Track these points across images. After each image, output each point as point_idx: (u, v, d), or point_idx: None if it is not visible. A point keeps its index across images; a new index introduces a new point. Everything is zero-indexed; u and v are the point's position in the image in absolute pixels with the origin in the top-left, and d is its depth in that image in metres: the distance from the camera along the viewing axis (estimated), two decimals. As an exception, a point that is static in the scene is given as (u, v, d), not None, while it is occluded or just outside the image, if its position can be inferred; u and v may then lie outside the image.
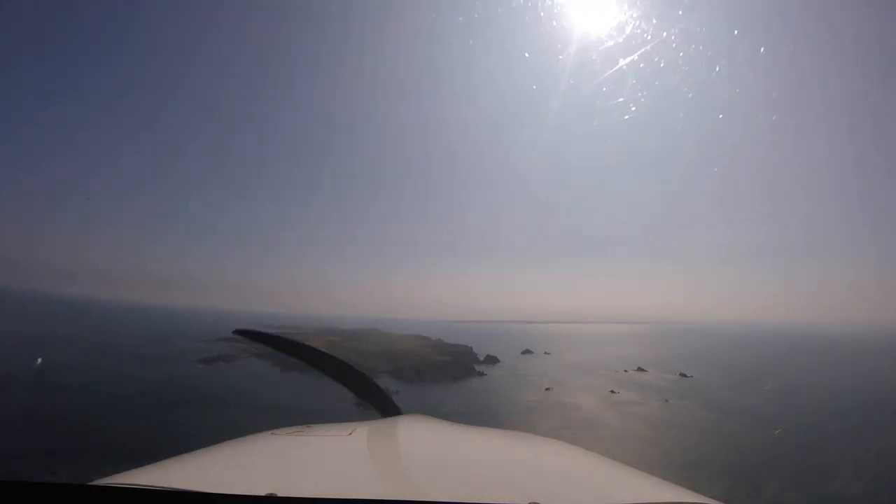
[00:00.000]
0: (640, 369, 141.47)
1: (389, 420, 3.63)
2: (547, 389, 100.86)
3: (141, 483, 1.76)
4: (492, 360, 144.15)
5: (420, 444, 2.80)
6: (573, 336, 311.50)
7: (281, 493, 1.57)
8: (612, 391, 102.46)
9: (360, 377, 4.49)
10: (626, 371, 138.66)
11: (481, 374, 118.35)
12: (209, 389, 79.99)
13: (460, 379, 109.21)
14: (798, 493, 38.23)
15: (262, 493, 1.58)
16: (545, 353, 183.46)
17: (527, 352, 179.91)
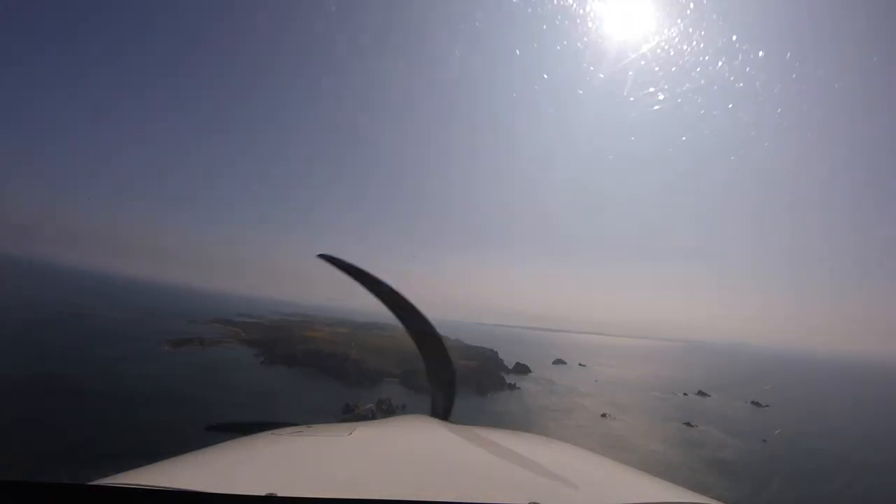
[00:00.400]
0: (701, 393, 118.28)
1: (389, 420, 3.60)
2: (603, 416, 78.74)
3: (141, 483, 1.76)
4: (522, 369, 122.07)
5: (420, 444, 2.80)
6: (601, 348, 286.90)
7: (281, 493, 1.57)
8: (688, 423, 79.74)
9: (439, 347, 4.20)
10: (685, 395, 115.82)
11: (513, 386, 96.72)
12: (151, 377, 65.02)
13: (489, 392, 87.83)
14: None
15: (262, 493, 1.58)
16: (579, 364, 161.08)
17: (559, 362, 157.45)
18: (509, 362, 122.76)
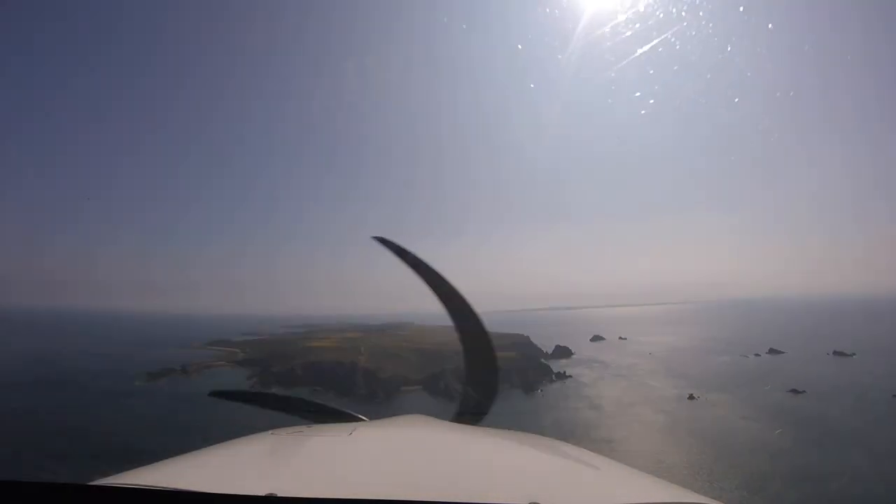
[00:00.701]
0: (773, 351, 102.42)
1: (390, 420, 3.58)
2: (691, 398, 62.98)
3: (141, 483, 1.77)
4: (563, 352, 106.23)
5: (420, 444, 2.79)
6: (630, 319, 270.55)
7: (281, 493, 1.58)
8: (794, 391, 63.86)
9: (485, 346, 4.15)
10: (757, 355, 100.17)
11: (563, 375, 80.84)
12: (113, 417, 56.95)
13: (538, 386, 72.49)
14: None
15: (262, 493, 1.59)
16: (620, 338, 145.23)
17: (597, 338, 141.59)
18: (545, 346, 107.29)
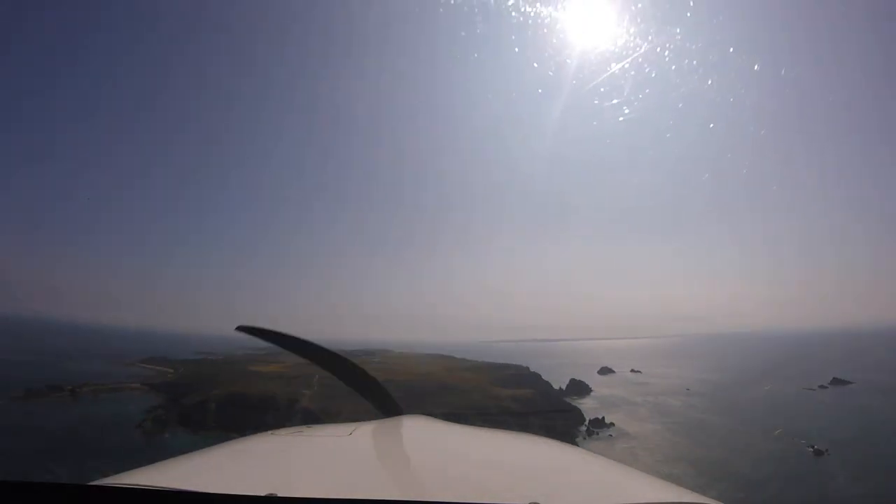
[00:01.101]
0: (837, 381, 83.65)
1: (390, 420, 3.62)
2: (818, 454, 41.99)
3: (141, 483, 1.77)
4: (579, 387, 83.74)
5: (420, 444, 2.81)
6: (617, 352, 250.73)
7: (281, 493, 1.57)
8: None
9: (360, 374, 4.47)
10: (823, 387, 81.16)
11: (601, 422, 57.92)
12: None
13: (570, 439, 50.16)
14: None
15: (262, 493, 1.58)
16: (632, 370, 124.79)
17: (606, 371, 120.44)
18: (553, 380, 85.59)
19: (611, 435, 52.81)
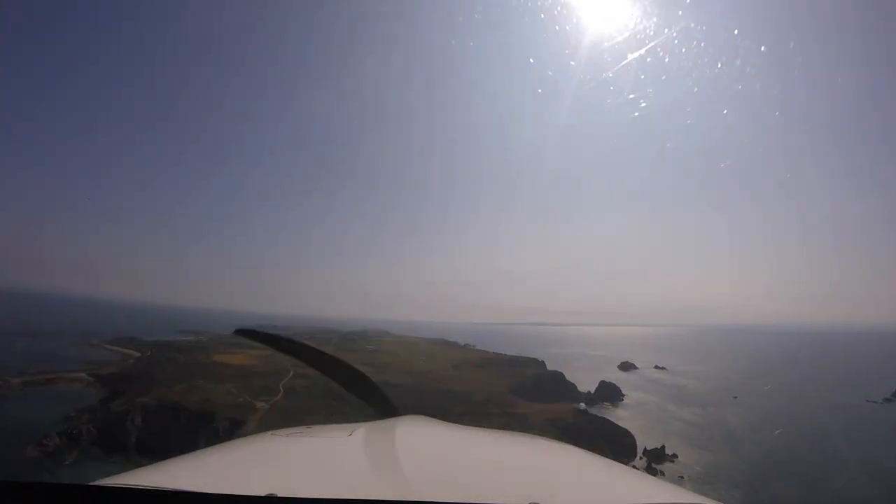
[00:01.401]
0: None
1: (389, 421, 3.53)
2: None
3: (141, 483, 1.76)
4: (610, 391, 71.29)
5: (420, 444, 2.76)
6: (620, 342, 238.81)
7: (281, 494, 1.56)
8: None
9: (358, 376, 4.38)
10: (888, 400, 70.34)
11: (666, 455, 44.67)
12: None
13: None
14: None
15: (262, 493, 1.58)
16: (656, 367, 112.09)
17: (629, 367, 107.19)
18: (578, 381, 72.58)
19: (681, 476, 39.43)
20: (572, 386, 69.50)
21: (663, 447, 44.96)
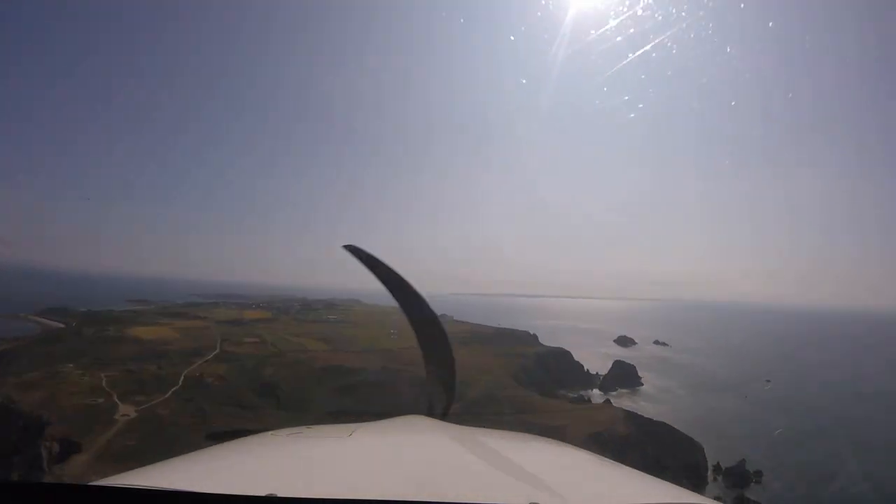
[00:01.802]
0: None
1: (389, 421, 3.61)
2: None
3: (141, 483, 1.78)
4: (625, 375, 58.81)
5: (420, 444, 2.81)
6: (619, 314, 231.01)
7: (281, 494, 1.59)
8: None
9: (448, 354, 4.09)
10: None
11: (749, 474, 31.39)
12: None
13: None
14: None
15: (262, 493, 1.60)
16: (655, 342, 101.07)
17: (626, 342, 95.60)
18: (583, 359, 59.81)
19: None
20: (578, 366, 56.58)
21: (743, 461, 31.61)
